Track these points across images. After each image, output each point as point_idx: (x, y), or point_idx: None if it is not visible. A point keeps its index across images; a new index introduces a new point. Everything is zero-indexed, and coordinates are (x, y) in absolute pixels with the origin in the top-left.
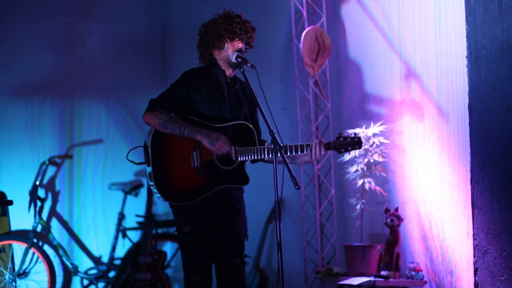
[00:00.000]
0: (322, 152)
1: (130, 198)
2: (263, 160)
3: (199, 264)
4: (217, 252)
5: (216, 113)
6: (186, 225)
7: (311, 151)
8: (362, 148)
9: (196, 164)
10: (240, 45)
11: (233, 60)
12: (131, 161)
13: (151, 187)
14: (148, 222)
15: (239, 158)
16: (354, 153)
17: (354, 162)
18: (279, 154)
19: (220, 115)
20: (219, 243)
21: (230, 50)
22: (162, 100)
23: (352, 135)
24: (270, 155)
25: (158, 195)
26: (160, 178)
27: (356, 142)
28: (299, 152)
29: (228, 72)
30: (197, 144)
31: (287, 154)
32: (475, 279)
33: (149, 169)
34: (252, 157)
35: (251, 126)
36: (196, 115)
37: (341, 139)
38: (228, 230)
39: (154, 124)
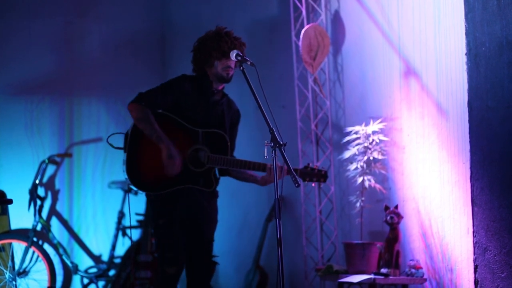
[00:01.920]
0: (283, 176)
1: (130, 196)
2: (229, 174)
3: (172, 257)
4: (187, 249)
5: (199, 120)
6: (160, 217)
7: (270, 172)
8: (362, 145)
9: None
10: (229, 63)
11: (233, 58)
12: (110, 144)
13: (123, 172)
14: (148, 220)
15: (208, 164)
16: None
17: (354, 160)
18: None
19: (201, 122)
20: (188, 241)
21: (219, 67)
22: (149, 96)
23: (320, 168)
24: (266, 155)
25: (128, 180)
26: (131, 164)
27: (323, 175)
28: (260, 170)
29: (216, 85)
30: (172, 142)
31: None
32: (475, 276)
33: (124, 156)
34: (221, 165)
35: (227, 137)
36: (178, 117)
37: (309, 169)
38: (197, 228)
39: (132, 116)
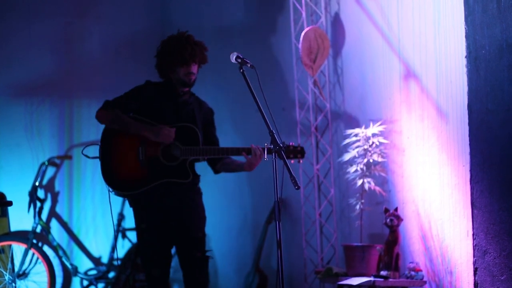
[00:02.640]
0: (264, 157)
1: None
2: (218, 169)
3: (157, 260)
4: (178, 248)
5: (167, 119)
6: (143, 222)
7: (255, 154)
8: (362, 148)
9: (141, 158)
10: (190, 69)
11: (233, 60)
12: (85, 155)
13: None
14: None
15: (182, 156)
16: (300, 161)
17: (354, 162)
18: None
19: (170, 121)
20: (177, 239)
21: (181, 73)
22: (115, 102)
23: (296, 145)
24: (266, 157)
25: (106, 185)
26: (106, 167)
27: (299, 151)
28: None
29: (180, 89)
30: (143, 141)
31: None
32: (474, 279)
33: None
34: (194, 156)
35: (196, 128)
36: (148, 118)
37: (284, 147)
38: (183, 227)
39: (103, 121)
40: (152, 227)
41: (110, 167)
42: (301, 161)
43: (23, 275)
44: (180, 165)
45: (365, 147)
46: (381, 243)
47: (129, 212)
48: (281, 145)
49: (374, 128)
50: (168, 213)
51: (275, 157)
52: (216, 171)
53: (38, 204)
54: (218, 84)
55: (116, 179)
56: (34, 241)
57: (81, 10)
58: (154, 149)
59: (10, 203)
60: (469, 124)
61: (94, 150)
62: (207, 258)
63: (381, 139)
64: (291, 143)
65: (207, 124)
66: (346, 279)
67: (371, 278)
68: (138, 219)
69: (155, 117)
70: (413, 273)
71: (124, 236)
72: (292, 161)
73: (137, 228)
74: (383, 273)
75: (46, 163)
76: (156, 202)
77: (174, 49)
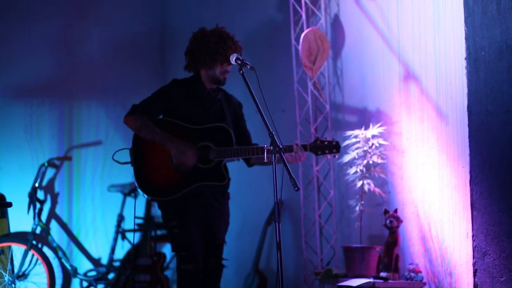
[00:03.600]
0: (303, 154)
1: (129, 200)
2: (257, 162)
3: (188, 254)
4: None
5: (197, 120)
6: (172, 220)
7: (291, 154)
8: (361, 149)
9: (175, 162)
10: (229, 68)
11: (232, 62)
12: (116, 161)
13: (136, 185)
14: (147, 224)
15: (216, 158)
16: (334, 156)
17: (353, 164)
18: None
19: (200, 122)
20: (202, 242)
21: (218, 70)
22: (142, 105)
23: (330, 140)
24: (266, 159)
25: (141, 192)
26: (140, 174)
27: (334, 146)
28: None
29: (209, 86)
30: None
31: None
32: (474, 281)
33: (132, 169)
34: (229, 157)
35: (228, 128)
36: (177, 120)
37: (318, 142)
38: (210, 232)
39: (131, 127)
40: (183, 223)
41: (143, 173)
42: (336, 156)
43: (23, 276)
44: (215, 168)
45: (365, 148)
46: (381, 244)
47: (128, 213)
48: (283, 147)
49: (373, 130)
50: (197, 216)
51: (274, 158)
52: (250, 165)
53: (38, 205)
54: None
55: (150, 185)
56: (34, 242)
57: (81, 11)
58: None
59: (10, 204)
60: (469, 125)
61: (123, 155)
62: (222, 267)
63: (381, 141)
64: (325, 138)
65: (236, 118)
66: (346, 280)
67: (371, 280)
68: (168, 219)
69: (184, 117)
70: (412, 274)
71: (123, 237)
72: (329, 157)
73: (168, 227)
74: (382, 274)
75: (46, 164)
76: (188, 205)
77: (217, 46)
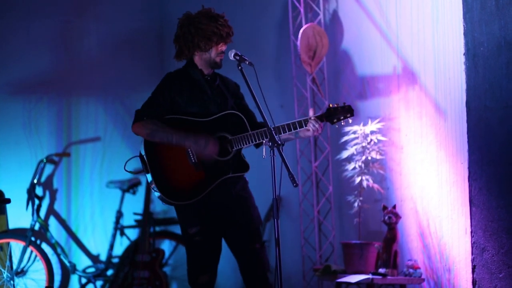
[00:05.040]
0: (321, 126)
1: (128, 196)
2: (261, 144)
3: (206, 265)
4: (234, 243)
5: (203, 111)
6: (192, 226)
7: (308, 128)
8: (360, 145)
9: (193, 161)
10: (224, 48)
11: (231, 58)
12: (129, 171)
13: (155, 193)
14: (146, 220)
15: (234, 147)
16: (349, 124)
17: (352, 160)
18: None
19: (207, 112)
20: (234, 235)
21: (214, 52)
22: (147, 109)
23: (342, 105)
24: (265, 154)
25: (165, 199)
26: (161, 182)
27: (347, 110)
28: (298, 129)
29: (207, 71)
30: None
31: (285, 132)
32: (473, 277)
33: (149, 177)
34: (247, 143)
35: (239, 113)
36: (183, 115)
37: (332, 109)
38: (240, 220)
39: (142, 134)
40: (203, 230)
41: (163, 179)
42: (350, 121)
43: (22, 272)
44: (235, 157)
45: (363, 144)
46: (380, 240)
47: (127, 209)
48: (281, 142)
49: (372, 126)
50: (222, 210)
51: (273, 154)
52: (258, 146)
53: (37, 201)
54: None
55: (173, 190)
56: (33, 238)
57: (80, 9)
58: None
59: (9, 201)
60: (468, 121)
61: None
62: (265, 248)
63: (379, 137)
64: (336, 104)
65: (237, 100)
66: (345, 276)
67: (370, 276)
68: (187, 223)
69: (189, 111)
70: (411, 270)
71: (122, 233)
72: (343, 123)
73: (184, 233)
74: (381, 270)
75: (45, 160)
76: (210, 202)
77: (209, 26)
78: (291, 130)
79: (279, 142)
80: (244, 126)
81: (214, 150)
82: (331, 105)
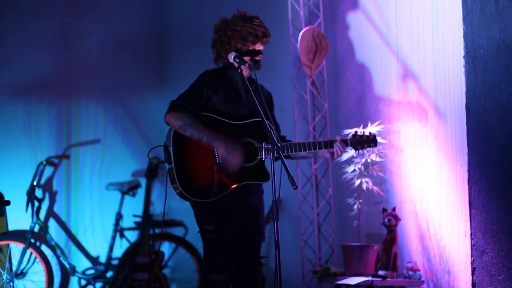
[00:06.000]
0: (344, 149)
1: (127, 198)
2: (287, 156)
3: (223, 263)
4: (237, 251)
5: (234, 112)
6: (208, 224)
7: (331, 150)
8: None
9: (218, 161)
10: (261, 47)
11: (231, 60)
12: (152, 159)
13: (172, 186)
14: (146, 222)
15: (259, 155)
16: (363, 151)
17: (352, 162)
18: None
19: (237, 115)
20: (239, 243)
21: (253, 53)
22: (183, 102)
23: (368, 134)
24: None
25: (183, 193)
26: (182, 176)
27: (372, 140)
28: (322, 148)
29: (245, 73)
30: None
31: (308, 150)
32: (472, 279)
33: (170, 167)
34: (274, 155)
35: (269, 123)
36: (215, 114)
37: (358, 136)
38: (248, 230)
39: (174, 126)
40: (219, 228)
41: (185, 173)
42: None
43: (21, 274)
44: (258, 165)
45: None
46: (379, 242)
47: (127, 211)
48: (281, 145)
49: (372, 128)
50: (235, 215)
51: (272, 156)
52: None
53: (36, 203)
54: None
55: (192, 186)
56: (32, 240)
57: (79, 10)
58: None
59: (8, 203)
60: (467, 124)
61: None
62: (261, 266)
63: (379, 139)
64: (362, 132)
65: (269, 110)
66: (344, 278)
67: (369, 278)
68: (203, 221)
69: (221, 111)
70: (411, 272)
71: (122, 235)
72: (366, 152)
73: (203, 231)
74: (381, 272)
75: (44, 162)
76: (226, 203)
77: (244, 27)
78: (316, 149)
79: (279, 145)
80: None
81: (238, 160)
82: (358, 132)
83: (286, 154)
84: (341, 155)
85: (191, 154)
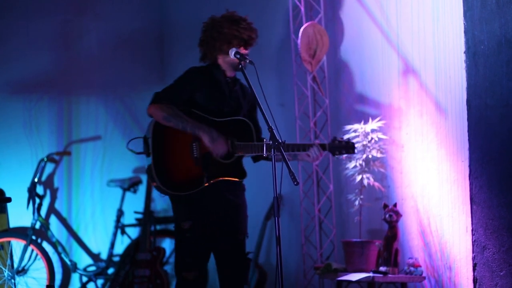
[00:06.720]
0: (321, 154)
1: (128, 194)
2: (264, 158)
3: (194, 262)
4: (218, 249)
5: (217, 109)
6: (186, 221)
7: (309, 153)
8: (361, 144)
9: (195, 155)
10: (246, 52)
11: (232, 56)
12: (131, 150)
13: (150, 178)
14: (147, 218)
15: (238, 152)
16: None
17: (353, 158)
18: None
19: (220, 112)
20: (219, 240)
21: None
22: (167, 94)
23: (347, 140)
24: (268, 152)
25: (160, 186)
26: (160, 168)
27: (350, 147)
28: (300, 151)
29: (229, 73)
30: (196, 136)
31: (288, 151)
32: (474, 275)
33: (149, 160)
34: (250, 152)
35: (250, 123)
36: (198, 110)
37: (336, 142)
38: (227, 227)
39: (158, 117)
40: (196, 226)
41: (163, 169)
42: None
43: (22, 271)
44: (235, 163)
45: (364, 142)
46: (380, 238)
47: (128, 208)
48: (282, 141)
49: (373, 124)
50: (214, 211)
51: (274, 153)
52: (257, 161)
53: (37, 200)
54: None
55: (169, 179)
56: (33, 237)
57: (79, 7)
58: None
59: (9, 200)
60: (468, 119)
61: (136, 144)
62: (247, 261)
63: (380, 135)
64: (341, 138)
65: (251, 110)
66: (345, 275)
67: (370, 274)
68: (181, 217)
69: (203, 108)
70: (412, 268)
71: (123, 232)
72: (344, 157)
73: (177, 228)
74: (382, 268)
75: (45, 159)
76: (205, 200)
77: (230, 30)
78: (294, 151)
79: (280, 141)
80: (251, 136)
81: (224, 147)
82: (336, 138)
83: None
84: (319, 159)
85: (170, 147)
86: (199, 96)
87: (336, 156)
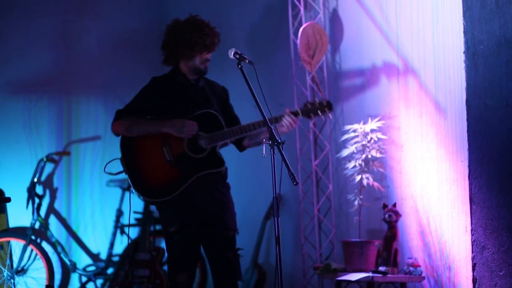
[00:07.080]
0: (294, 121)
1: (128, 194)
2: (243, 146)
3: (184, 264)
4: (209, 247)
5: (184, 109)
6: (172, 225)
7: (282, 124)
8: (360, 144)
9: (168, 158)
10: (208, 56)
11: (231, 56)
12: (109, 173)
13: (134, 193)
14: (146, 218)
15: (209, 144)
16: (328, 116)
17: (352, 158)
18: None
19: (187, 111)
20: (209, 238)
21: (198, 60)
22: (126, 110)
23: (320, 100)
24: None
25: (143, 198)
26: (137, 180)
27: (325, 105)
28: (273, 123)
29: (191, 77)
30: (164, 140)
31: (255, 129)
32: (473, 275)
33: (126, 176)
34: (222, 140)
35: (215, 113)
36: (164, 115)
37: (309, 105)
38: (216, 225)
39: (120, 131)
40: (183, 228)
41: (140, 178)
42: (330, 115)
43: (22, 271)
44: (210, 155)
45: (364, 142)
46: (380, 238)
47: (127, 208)
48: (281, 141)
49: (372, 124)
50: (201, 211)
51: (273, 152)
52: (242, 148)
53: (37, 200)
54: (216, 80)
55: (150, 189)
56: (33, 237)
57: (79, 7)
58: (178, 145)
59: (9, 200)
60: (468, 119)
61: (116, 165)
62: (238, 257)
63: (380, 135)
64: (314, 100)
65: (223, 104)
66: (345, 274)
67: (370, 274)
68: (167, 222)
69: (170, 112)
70: (411, 268)
71: (122, 232)
72: (323, 117)
73: (165, 232)
74: (381, 268)
75: (45, 159)
76: (190, 200)
77: (192, 35)
78: (260, 127)
79: (280, 141)
80: (220, 125)
81: (192, 126)
82: (308, 101)
83: (237, 138)
84: (293, 126)
85: (142, 158)
86: (164, 102)
87: (313, 118)
